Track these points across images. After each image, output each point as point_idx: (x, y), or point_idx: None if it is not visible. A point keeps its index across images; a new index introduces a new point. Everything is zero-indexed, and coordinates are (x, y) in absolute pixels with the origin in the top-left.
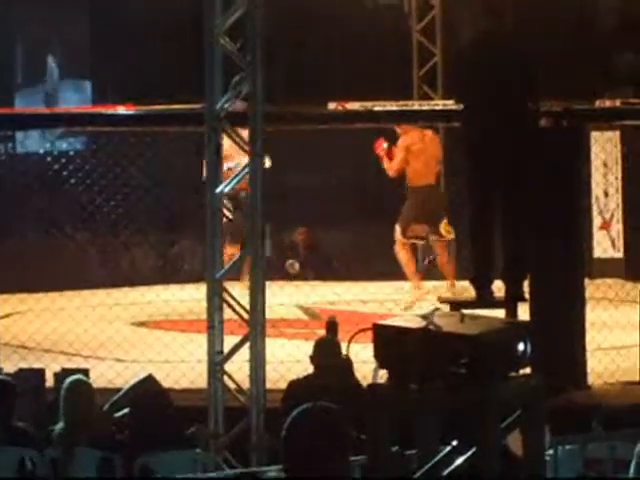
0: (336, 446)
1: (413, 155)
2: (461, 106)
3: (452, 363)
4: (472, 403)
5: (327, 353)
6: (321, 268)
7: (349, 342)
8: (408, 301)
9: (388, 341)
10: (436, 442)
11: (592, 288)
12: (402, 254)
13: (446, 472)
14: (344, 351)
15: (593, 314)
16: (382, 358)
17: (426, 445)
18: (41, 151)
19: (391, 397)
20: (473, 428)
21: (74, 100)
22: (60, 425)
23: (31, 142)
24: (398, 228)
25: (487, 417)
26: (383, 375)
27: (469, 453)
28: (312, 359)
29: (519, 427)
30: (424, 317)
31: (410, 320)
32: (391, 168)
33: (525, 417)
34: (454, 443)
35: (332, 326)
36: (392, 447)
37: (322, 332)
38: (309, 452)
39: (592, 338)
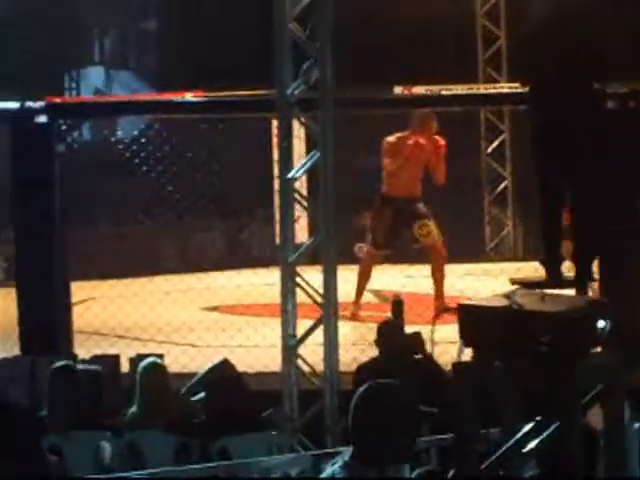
0: (400, 421)
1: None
2: (527, 89)
3: (534, 340)
4: (554, 380)
5: (389, 335)
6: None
7: (433, 323)
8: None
9: (472, 320)
10: (518, 419)
11: None
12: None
13: (528, 448)
14: (429, 331)
15: None
16: (466, 337)
17: (508, 422)
18: (112, 139)
19: (475, 374)
20: (555, 404)
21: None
22: (133, 409)
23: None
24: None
25: (569, 393)
26: (467, 353)
27: (551, 429)
28: (376, 342)
29: (599, 403)
30: (506, 296)
31: (493, 300)
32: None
33: (605, 393)
34: (537, 419)
35: (397, 306)
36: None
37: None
38: (375, 428)
39: None
